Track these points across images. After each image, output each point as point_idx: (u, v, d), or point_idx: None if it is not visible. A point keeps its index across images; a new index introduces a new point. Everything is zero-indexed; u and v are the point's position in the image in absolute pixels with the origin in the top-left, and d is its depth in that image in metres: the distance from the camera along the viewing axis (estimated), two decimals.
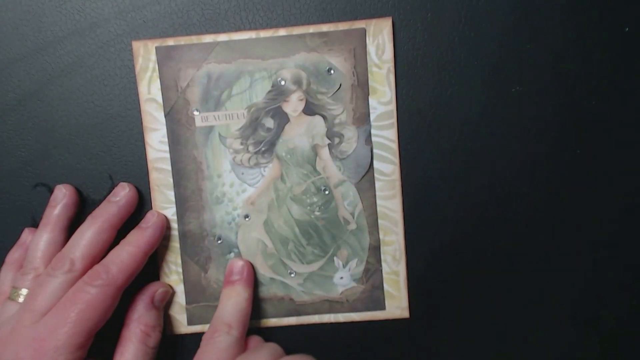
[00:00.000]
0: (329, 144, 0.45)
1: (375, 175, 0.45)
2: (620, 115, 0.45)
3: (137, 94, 0.45)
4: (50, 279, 0.40)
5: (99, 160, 0.46)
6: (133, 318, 0.43)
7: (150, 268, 0.45)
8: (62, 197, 0.44)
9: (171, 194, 0.45)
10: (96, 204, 0.44)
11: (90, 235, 0.42)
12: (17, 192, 0.46)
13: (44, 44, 0.45)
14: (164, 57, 0.44)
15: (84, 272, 0.41)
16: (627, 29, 0.45)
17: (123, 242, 0.43)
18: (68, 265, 0.41)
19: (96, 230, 0.42)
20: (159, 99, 0.44)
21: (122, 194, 0.44)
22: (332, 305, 0.46)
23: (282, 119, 0.44)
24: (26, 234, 0.46)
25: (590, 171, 0.46)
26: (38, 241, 0.43)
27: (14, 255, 0.45)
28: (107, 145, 0.46)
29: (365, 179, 0.45)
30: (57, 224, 0.44)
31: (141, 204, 0.46)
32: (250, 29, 0.44)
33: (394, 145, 0.45)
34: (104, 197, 0.45)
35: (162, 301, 0.45)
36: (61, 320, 0.39)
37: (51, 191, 0.45)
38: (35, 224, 0.45)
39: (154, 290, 0.44)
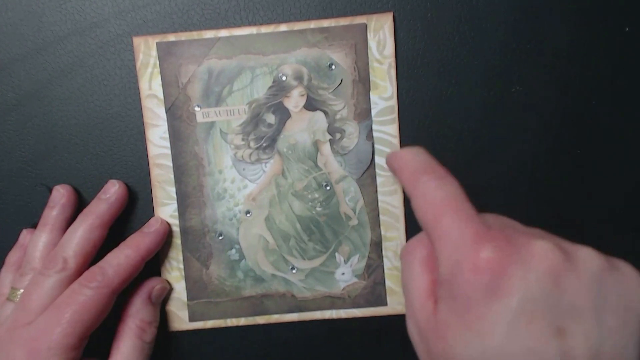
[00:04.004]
0: (330, 140, 0.45)
1: (377, 170, 0.45)
2: (620, 115, 0.45)
3: (137, 94, 0.45)
4: (44, 278, 0.40)
5: (99, 160, 0.46)
6: (130, 313, 0.43)
7: (151, 264, 0.45)
8: (59, 198, 0.44)
9: (172, 191, 0.45)
10: None
11: (82, 233, 0.42)
12: (17, 192, 0.46)
13: (44, 44, 0.45)
14: (165, 52, 0.44)
15: (77, 270, 0.41)
16: (627, 29, 0.45)
17: (122, 245, 0.43)
18: (61, 264, 0.41)
19: (87, 227, 0.42)
20: (160, 95, 0.44)
21: (112, 190, 0.44)
22: (333, 301, 0.46)
23: (283, 114, 0.44)
24: (24, 235, 0.46)
25: (590, 171, 0.46)
26: (36, 242, 0.43)
27: (13, 257, 0.45)
28: (107, 145, 0.45)
29: (367, 175, 0.45)
30: (55, 225, 0.44)
31: (142, 202, 0.46)
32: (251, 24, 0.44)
33: (395, 141, 0.45)
34: None
35: (159, 297, 0.45)
36: (55, 320, 0.38)
37: (51, 191, 0.45)
38: (35, 225, 0.45)
39: (151, 286, 0.44)
